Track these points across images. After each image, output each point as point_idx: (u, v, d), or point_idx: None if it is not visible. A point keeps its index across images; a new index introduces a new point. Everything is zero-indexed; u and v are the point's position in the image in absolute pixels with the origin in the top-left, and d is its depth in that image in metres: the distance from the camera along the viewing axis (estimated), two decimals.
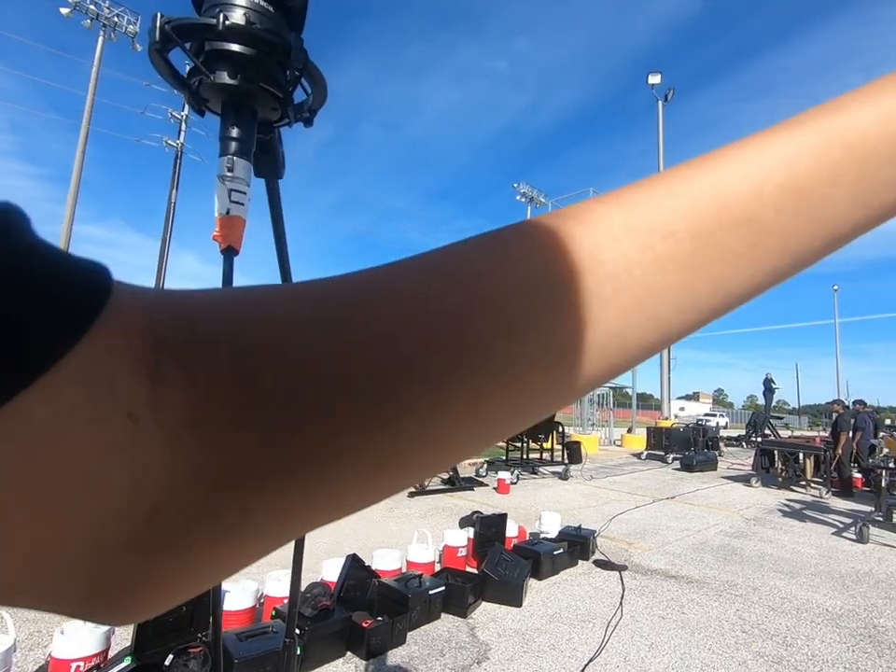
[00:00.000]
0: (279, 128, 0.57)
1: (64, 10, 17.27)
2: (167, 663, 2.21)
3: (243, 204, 0.52)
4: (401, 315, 0.15)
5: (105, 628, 2.22)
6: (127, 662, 2.21)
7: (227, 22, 0.44)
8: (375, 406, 0.15)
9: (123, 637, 2.52)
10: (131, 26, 18.33)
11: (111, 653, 2.34)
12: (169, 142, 19.08)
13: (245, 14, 0.46)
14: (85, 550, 0.13)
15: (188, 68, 0.54)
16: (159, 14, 0.46)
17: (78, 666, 2.18)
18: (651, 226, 0.18)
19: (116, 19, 17.99)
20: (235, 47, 0.46)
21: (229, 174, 0.50)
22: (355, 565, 3.14)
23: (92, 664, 2.21)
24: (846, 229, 0.19)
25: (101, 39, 17.74)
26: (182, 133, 19.20)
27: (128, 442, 0.13)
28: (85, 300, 0.12)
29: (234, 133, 0.50)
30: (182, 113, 19.19)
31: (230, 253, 0.53)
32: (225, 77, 0.48)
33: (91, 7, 17.49)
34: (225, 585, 2.78)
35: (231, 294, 0.16)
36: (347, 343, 0.15)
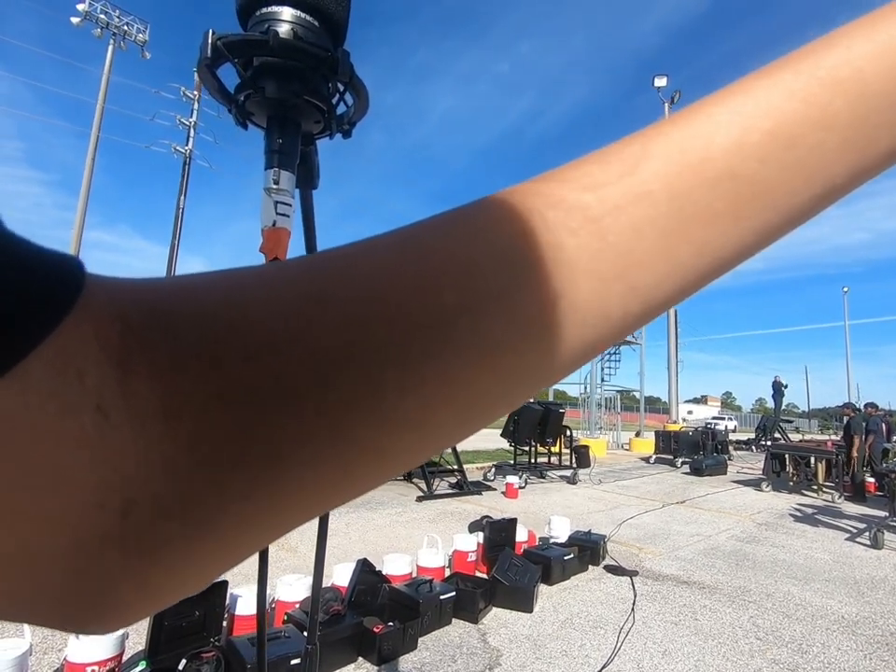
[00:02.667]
0: (318, 139, 0.58)
1: (75, 20, 17.54)
2: (180, 667, 2.22)
3: (288, 216, 0.53)
4: (368, 293, 0.15)
5: (120, 632, 2.22)
6: (142, 666, 2.22)
7: (278, 38, 0.45)
8: (344, 389, 0.14)
9: (137, 641, 2.53)
10: (140, 35, 18.58)
11: (125, 657, 2.35)
12: (178, 148, 19.28)
13: (292, 29, 0.47)
14: (58, 549, 0.12)
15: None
16: (211, 30, 0.47)
17: (93, 670, 2.19)
18: (625, 187, 0.16)
19: (126, 28, 18.25)
20: (285, 62, 0.48)
21: (275, 186, 0.51)
22: (365, 570, 3.13)
23: (107, 668, 2.22)
24: (840, 179, 0.17)
25: (111, 48, 17.98)
26: (190, 140, 19.40)
27: (97, 435, 0.12)
28: (57, 291, 0.12)
29: (280, 146, 0.51)
30: (190, 120, 19.39)
31: None
32: (273, 92, 0.49)
33: (102, 16, 17.75)
34: (236, 590, 2.78)
35: (200, 279, 0.15)
36: (312, 326, 0.14)
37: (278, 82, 0.49)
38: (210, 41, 0.46)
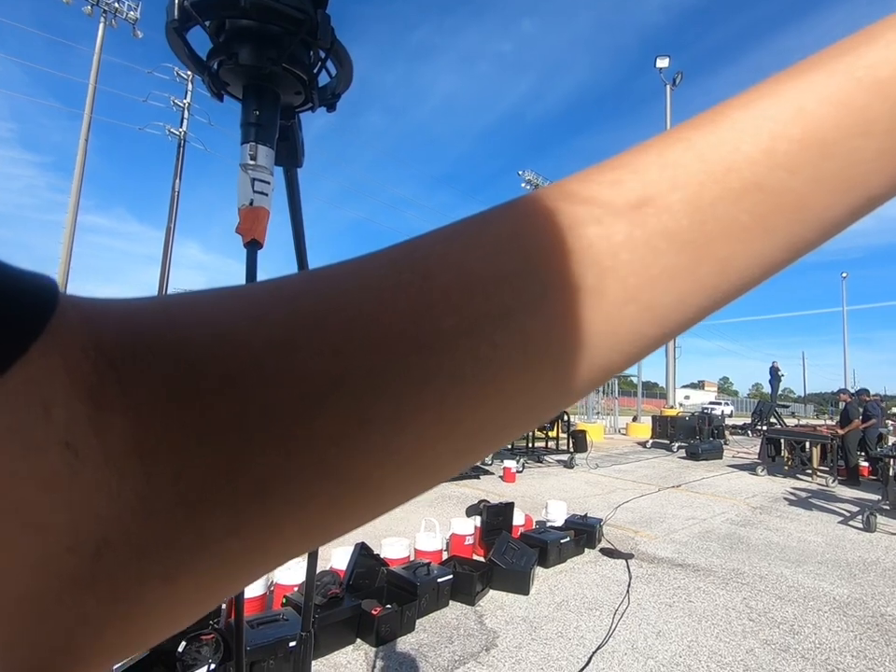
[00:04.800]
0: (300, 113, 0.55)
1: None
2: (180, 650, 2.24)
3: (266, 195, 0.49)
4: (360, 317, 0.14)
5: None
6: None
7: None
8: (333, 420, 0.13)
9: None
10: (131, 12, 18.12)
11: None
12: (172, 130, 18.96)
13: None
14: (24, 594, 0.12)
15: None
16: None
17: None
18: (641, 199, 0.15)
19: (116, 5, 17.77)
20: (259, 25, 0.44)
21: (251, 162, 0.48)
22: (363, 553, 3.16)
23: None
24: (878, 189, 0.15)
25: (101, 26, 17.55)
26: (184, 122, 19.07)
27: (66, 474, 0.11)
28: (24, 316, 0.11)
29: (257, 118, 0.47)
30: (184, 101, 19.05)
31: (253, 246, 0.51)
32: (248, 58, 0.45)
33: None
34: None
35: (183, 301, 0.14)
36: (295, 354, 0.13)
37: (253, 48, 0.45)
38: (177, 1, 0.43)
